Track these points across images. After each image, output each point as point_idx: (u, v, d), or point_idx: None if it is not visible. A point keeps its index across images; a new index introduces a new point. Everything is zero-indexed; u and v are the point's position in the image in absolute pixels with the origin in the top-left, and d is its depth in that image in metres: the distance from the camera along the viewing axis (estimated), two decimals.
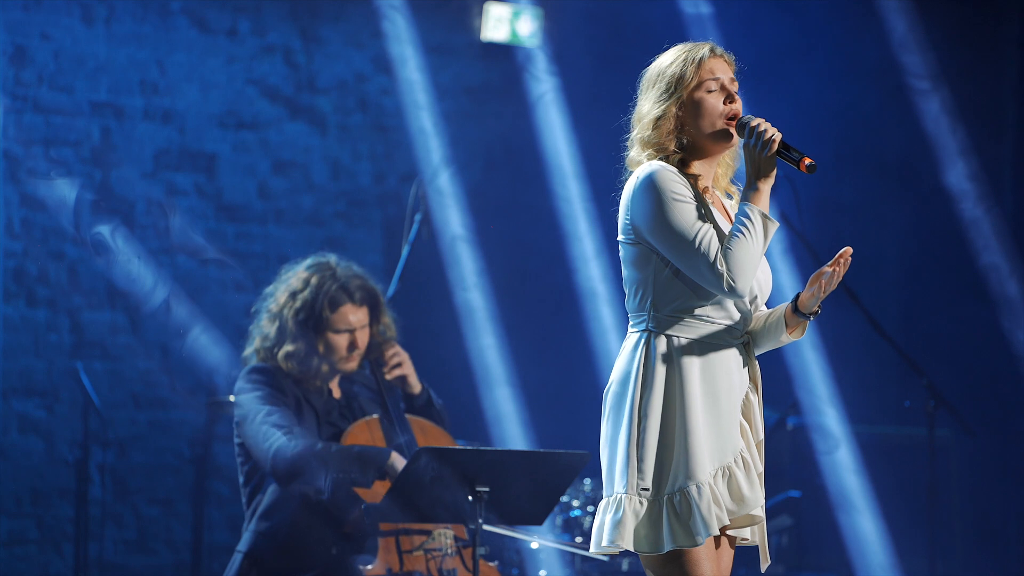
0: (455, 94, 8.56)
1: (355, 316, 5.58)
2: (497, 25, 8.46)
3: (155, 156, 8.07)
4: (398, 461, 5.30)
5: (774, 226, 3.64)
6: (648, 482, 3.63)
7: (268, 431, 5.36)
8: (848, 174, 8.71)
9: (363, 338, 5.60)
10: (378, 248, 8.43)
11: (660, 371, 3.66)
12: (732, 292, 3.60)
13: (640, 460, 3.64)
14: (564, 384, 8.17)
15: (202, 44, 8.13)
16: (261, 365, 5.54)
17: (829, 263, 3.68)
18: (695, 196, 3.67)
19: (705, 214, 3.65)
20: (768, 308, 3.83)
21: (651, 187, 3.65)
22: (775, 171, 3.67)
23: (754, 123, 3.67)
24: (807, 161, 3.63)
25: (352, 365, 5.61)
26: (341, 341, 5.56)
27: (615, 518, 3.65)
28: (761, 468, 3.73)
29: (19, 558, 7.83)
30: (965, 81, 8.37)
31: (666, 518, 3.62)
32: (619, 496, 3.66)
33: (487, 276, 8.29)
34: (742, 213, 3.63)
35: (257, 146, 8.25)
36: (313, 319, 5.54)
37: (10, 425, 7.82)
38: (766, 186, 3.66)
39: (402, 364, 5.69)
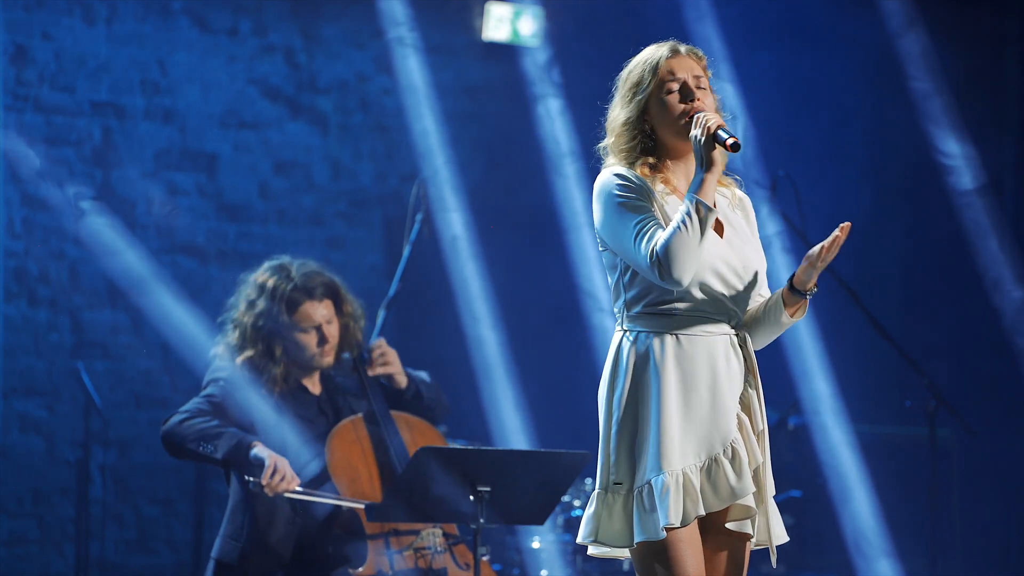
0: (456, 94, 8.56)
1: (318, 311, 5.55)
2: (498, 25, 8.47)
3: (156, 156, 8.08)
4: (261, 449, 5.26)
5: (713, 214, 3.63)
6: (621, 476, 3.68)
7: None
8: (849, 174, 8.71)
9: (332, 331, 5.57)
10: (379, 248, 8.43)
11: (633, 366, 3.70)
12: (669, 281, 3.61)
13: (614, 455, 3.69)
14: (565, 384, 8.17)
15: (203, 44, 8.13)
16: (217, 373, 5.52)
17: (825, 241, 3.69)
18: (647, 194, 3.70)
19: (654, 209, 3.68)
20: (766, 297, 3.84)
21: (600, 193, 3.77)
22: (717, 159, 3.66)
23: (699, 115, 3.69)
24: (730, 141, 3.63)
25: (328, 360, 5.58)
26: (310, 339, 5.54)
27: (589, 513, 3.73)
28: (761, 459, 3.73)
29: (20, 558, 7.84)
30: (966, 80, 8.37)
31: (636, 511, 3.65)
32: (594, 491, 3.74)
33: (488, 276, 8.29)
34: (684, 204, 3.64)
35: (258, 146, 8.26)
36: (273, 324, 5.52)
37: (11, 425, 7.83)
38: (711, 176, 3.65)
39: (388, 362, 5.68)
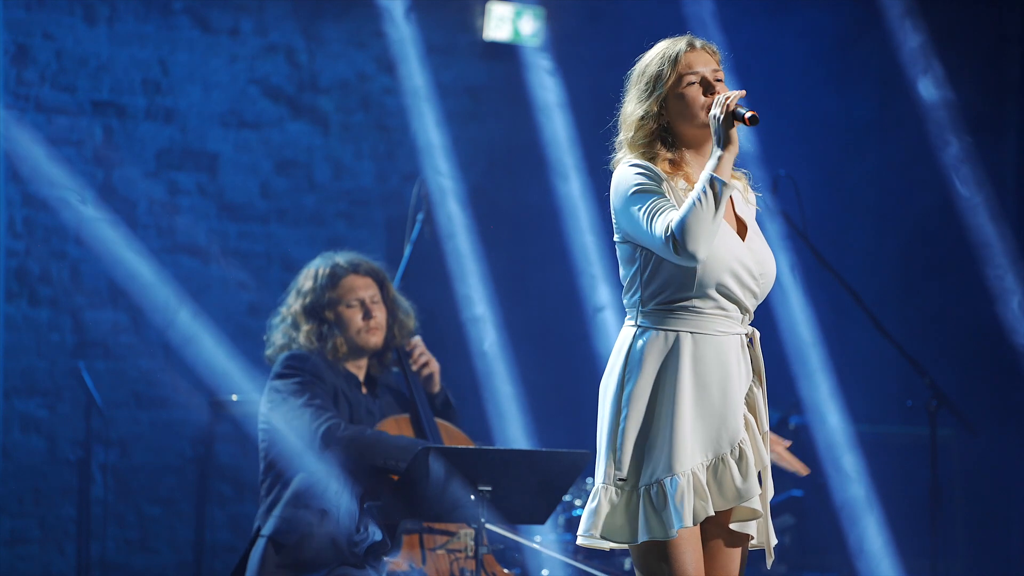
0: (457, 93, 8.56)
1: (360, 284, 5.59)
2: (499, 24, 8.47)
3: (157, 155, 8.08)
4: None
5: (729, 190, 3.62)
6: (625, 472, 3.66)
7: (316, 412, 5.36)
8: (850, 173, 8.71)
9: (379, 311, 5.59)
10: (380, 248, 8.43)
11: (647, 363, 3.68)
12: (684, 255, 3.59)
13: (619, 450, 3.67)
14: (566, 383, 8.17)
15: (204, 43, 8.14)
16: (298, 351, 5.55)
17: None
18: (664, 183, 3.70)
19: (671, 196, 3.67)
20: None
21: (618, 183, 3.72)
22: (735, 138, 3.65)
23: (718, 96, 3.68)
24: (748, 114, 3.63)
25: (375, 339, 5.58)
26: (354, 314, 5.56)
27: (591, 508, 3.69)
28: (767, 461, 3.74)
29: (21, 557, 7.84)
30: (967, 79, 8.37)
31: (642, 509, 3.63)
32: (597, 486, 3.70)
33: (488, 276, 8.30)
34: (700, 181, 3.64)
35: (259, 145, 8.26)
36: (318, 300, 5.55)
37: (12, 424, 7.83)
38: (727, 154, 3.64)
39: (429, 362, 5.70)
